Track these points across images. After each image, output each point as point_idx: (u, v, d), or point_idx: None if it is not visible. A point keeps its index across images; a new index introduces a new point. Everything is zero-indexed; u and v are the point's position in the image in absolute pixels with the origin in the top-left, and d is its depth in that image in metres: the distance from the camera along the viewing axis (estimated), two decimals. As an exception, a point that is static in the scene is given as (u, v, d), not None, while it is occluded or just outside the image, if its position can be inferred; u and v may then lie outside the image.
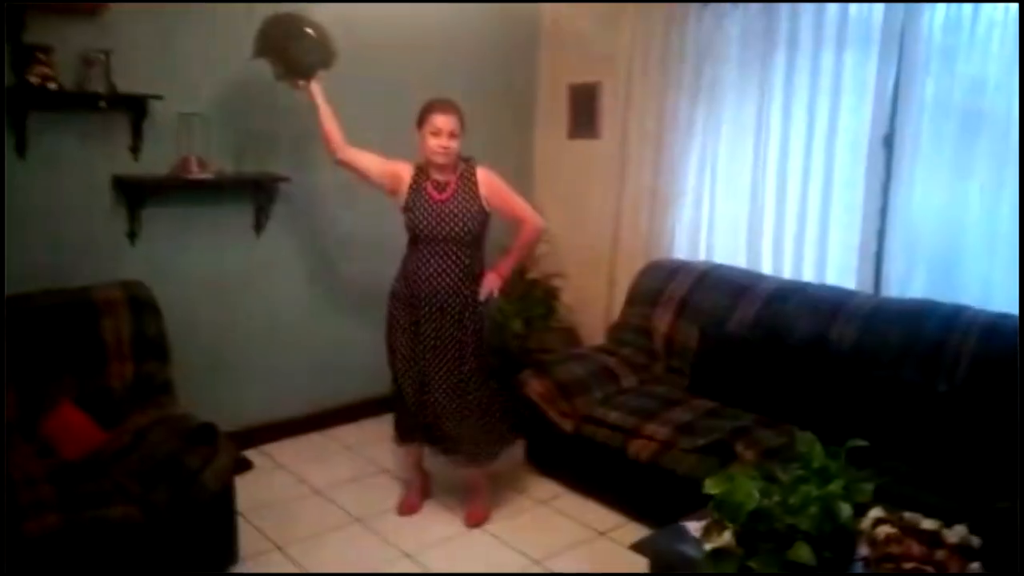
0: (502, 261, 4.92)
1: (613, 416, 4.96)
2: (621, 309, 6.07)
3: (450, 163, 4.67)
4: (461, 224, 4.64)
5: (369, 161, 4.79)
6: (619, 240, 6.49)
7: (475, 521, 4.95)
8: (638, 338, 5.78)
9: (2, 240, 4.46)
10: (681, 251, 6.16)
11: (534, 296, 6.26)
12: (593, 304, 6.68)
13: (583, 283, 6.69)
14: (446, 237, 4.64)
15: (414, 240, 4.74)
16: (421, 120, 4.65)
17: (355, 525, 4.91)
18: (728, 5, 5.70)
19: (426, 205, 4.66)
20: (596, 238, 6.58)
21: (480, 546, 4.73)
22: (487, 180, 4.76)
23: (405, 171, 4.74)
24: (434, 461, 5.12)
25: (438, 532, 4.85)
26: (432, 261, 4.66)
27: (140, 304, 4.72)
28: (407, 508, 5.07)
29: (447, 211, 4.64)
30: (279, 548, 4.63)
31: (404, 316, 4.76)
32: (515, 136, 7.05)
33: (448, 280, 4.68)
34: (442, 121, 4.59)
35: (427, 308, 4.70)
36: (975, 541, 2.99)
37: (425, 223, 4.64)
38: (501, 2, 6.56)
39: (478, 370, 4.82)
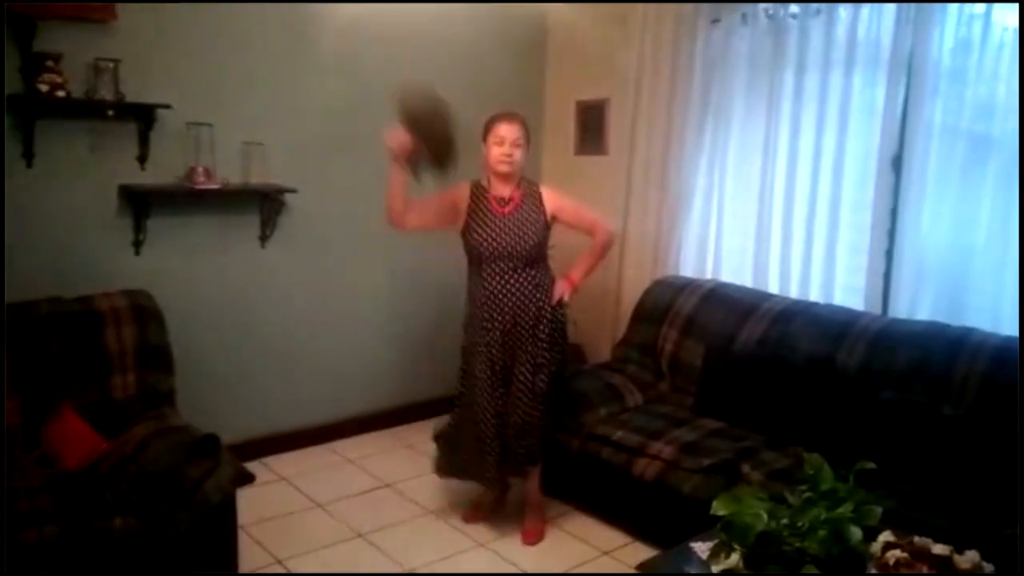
0: (574, 268, 4.93)
1: (618, 434, 4.92)
2: (627, 326, 6.05)
3: (513, 174, 4.69)
4: (525, 239, 4.65)
5: (427, 211, 4.74)
6: (625, 257, 6.47)
7: (536, 538, 4.96)
8: (644, 356, 5.75)
9: (2, 247, 4.44)
10: (688, 269, 6.15)
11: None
12: (599, 321, 6.65)
13: (589, 300, 6.64)
14: (511, 254, 4.63)
15: (477, 261, 4.71)
16: (486, 132, 4.69)
17: (357, 540, 4.88)
18: (737, 22, 5.69)
19: (489, 220, 4.66)
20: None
21: (483, 565, 4.69)
22: (552, 196, 4.81)
23: (461, 193, 4.74)
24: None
25: (441, 549, 4.82)
26: (500, 280, 4.67)
27: (144, 313, 4.69)
28: (469, 517, 5.15)
29: (510, 225, 4.65)
30: (280, 562, 4.61)
31: (480, 340, 4.73)
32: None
33: (520, 296, 4.69)
34: (506, 130, 4.63)
35: (502, 328, 4.69)
36: (988, 568, 2.95)
37: (488, 240, 4.63)
38: (508, 1, 6.54)
39: (551, 378, 4.81)
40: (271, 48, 5.50)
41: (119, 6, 4.79)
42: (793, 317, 5.17)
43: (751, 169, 5.78)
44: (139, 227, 5.10)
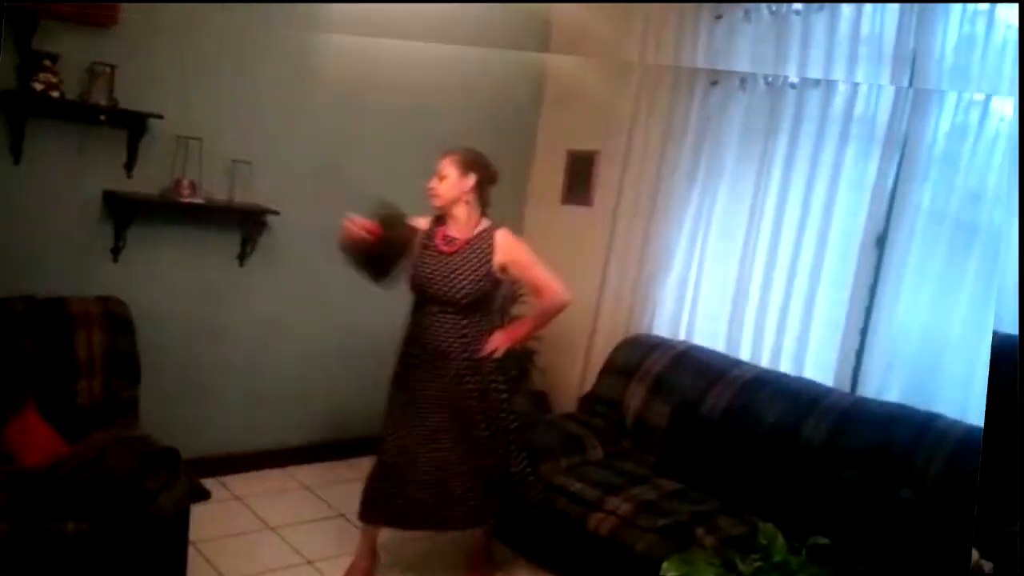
0: (516, 325, 4.86)
1: (576, 486, 4.90)
2: (596, 379, 6.04)
3: (444, 208, 4.49)
4: (457, 285, 4.42)
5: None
6: (601, 310, 6.46)
7: None
8: (610, 410, 5.74)
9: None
10: (662, 327, 6.14)
11: (509, 358, 6.22)
12: (567, 371, 6.63)
13: (560, 349, 6.65)
14: (444, 298, 4.43)
15: (416, 298, 4.55)
16: None
17: (305, 567, 4.84)
18: (736, 86, 5.74)
19: (429, 258, 4.48)
20: (578, 305, 6.48)
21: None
22: (508, 245, 4.54)
23: (422, 224, 4.56)
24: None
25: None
26: (430, 323, 4.47)
27: (116, 321, 4.68)
28: None
29: (448, 268, 4.44)
30: (225, 583, 4.58)
31: (403, 373, 4.59)
32: (508, 196, 7.03)
33: (444, 343, 4.47)
34: (439, 163, 4.46)
35: (428, 371, 4.50)
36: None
37: (422, 279, 4.46)
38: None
39: (498, 442, 4.60)
40: (268, 70, 5.51)
41: (122, 11, 4.81)
42: (762, 386, 5.18)
43: (735, 233, 5.79)
44: (119, 234, 5.09)
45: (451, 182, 4.45)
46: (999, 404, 3.63)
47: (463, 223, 4.52)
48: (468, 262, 4.47)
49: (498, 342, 4.58)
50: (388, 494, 4.54)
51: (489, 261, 4.47)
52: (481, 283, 4.47)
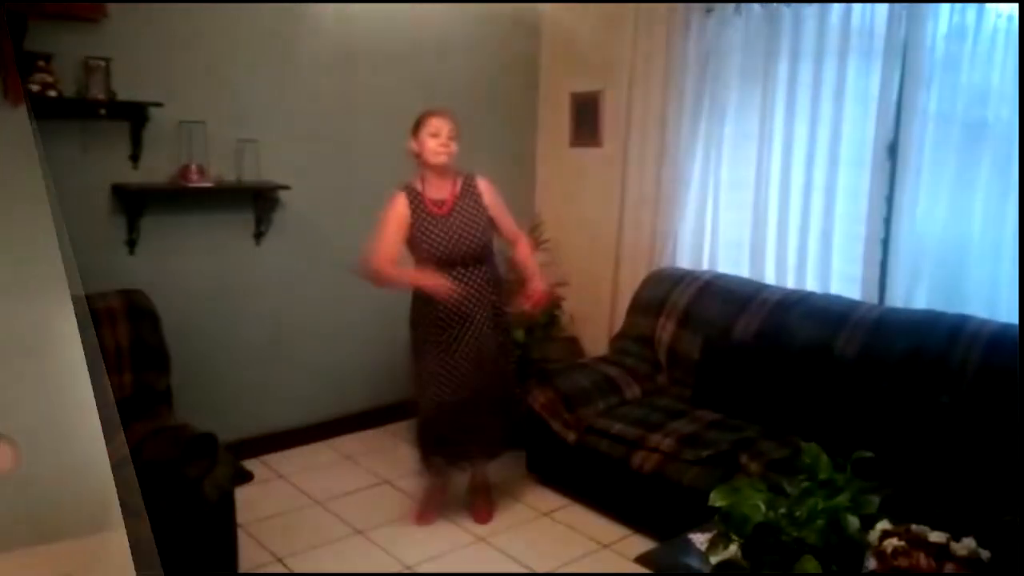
0: (532, 276, 4.98)
1: (616, 427, 4.93)
2: (624, 319, 6.04)
3: (450, 166, 4.67)
4: (468, 238, 4.65)
5: (397, 246, 4.68)
6: (622, 249, 6.46)
7: (487, 518, 5.08)
8: (641, 348, 5.75)
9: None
10: (684, 260, 6.14)
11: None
12: (596, 314, 6.65)
13: (586, 293, 6.65)
14: (456, 256, 4.64)
15: (429, 265, 4.65)
16: (417, 127, 4.65)
17: (356, 537, 4.87)
18: (731, 12, 5.68)
19: (430, 225, 4.63)
20: (599, 248, 6.55)
21: (483, 558, 4.69)
22: (488, 189, 4.82)
23: (401, 205, 4.67)
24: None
25: (439, 545, 4.81)
26: (461, 279, 4.66)
27: (139, 313, 4.68)
28: (425, 518, 5.07)
29: (452, 226, 4.64)
30: (279, 560, 4.60)
31: (436, 336, 4.73)
32: (517, 145, 7.03)
33: (477, 298, 4.71)
34: (440, 123, 4.62)
35: (459, 327, 4.70)
36: (984, 554, 2.95)
37: (435, 246, 4.61)
38: (502, 1, 6.54)
39: (509, 373, 5.00)
40: (263, 44, 5.48)
41: (109, 5, 4.78)
42: (790, 307, 5.16)
43: (746, 159, 5.77)
44: (133, 226, 5.09)
45: (457, 145, 4.65)
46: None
47: (448, 181, 4.72)
48: (467, 216, 4.68)
49: (537, 296, 4.92)
50: (443, 441, 4.88)
51: (484, 207, 4.77)
52: (487, 230, 4.76)
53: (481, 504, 5.11)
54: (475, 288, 4.69)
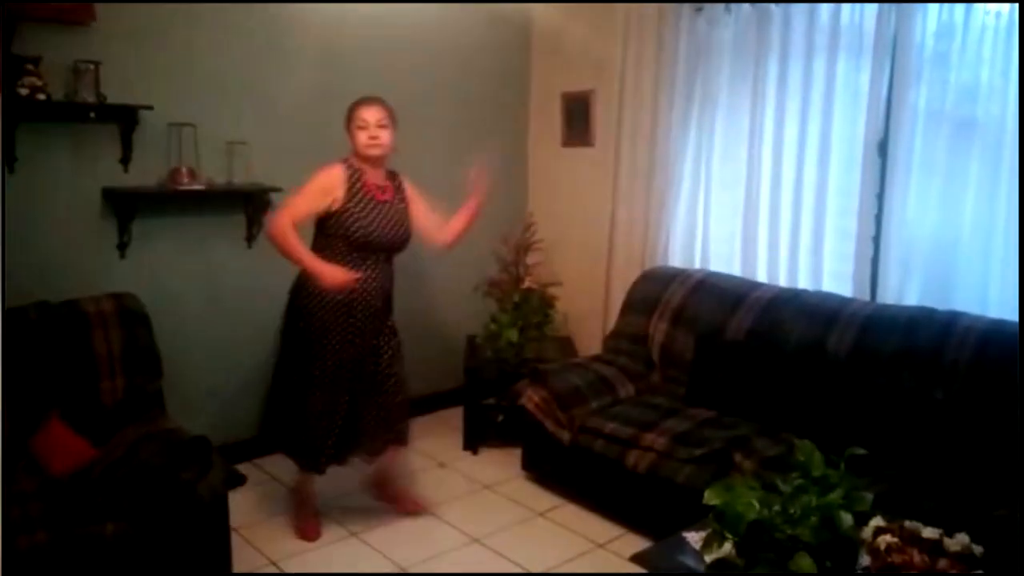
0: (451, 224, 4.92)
1: (610, 427, 4.92)
2: (617, 318, 6.05)
3: (382, 158, 4.66)
4: (402, 230, 4.72)
5: (307, 213, 4.58)
6: (614, 248, 6.47)
7: (417, 508, 5.19)
8: (635, 347, 5.75)
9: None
10: (676, 259, 6.15)
11: (530, 305, 6.22)
12: (589, 313, 6.66)
13: (579, 292, 6.66)
14: (389, 244, 4.68)
15: (351, 248, 4.58)
16: (348, 118, 4.64)
17: (350, 539, 4.87)
18: (721, 11, 5.68)
19: (371, 208, 4.59)
20: (591, 247, 6.56)
21: (477, 559, 4.69)
22: (411, 187, 4.85)
23: (334, 174, 4.57)
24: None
25: (434, 545, 4.82)
26: (372, 270, 4.65)
27: (131, 316, 4.67)
28: (314, 533, 4.93)
29: (391, 215, 4.65)
30: (273, 563, 4.60)
31: (338, 324, 4.64)
32: (508, 145, 7.03)
33: (384, 285, 4.76)
34: (368, 113, 4.57)
35: (363, 318, 4.69)
36: (977, 550, 2.97)
37: (371, 229, 4.56)
38: (491, 1, 6.54)
39: (401, 375, 4.94)
40: (252, 46, 5.47)
41: (98, 8, 4.77)
42: (782, 305, 5.18)
43: (737, 157, 5.78)
44: (124, 229, 5.08)
45: (391, 133, 4.63)
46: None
47: (380, 172, 4.71)
48: (401, 207, 4.73)
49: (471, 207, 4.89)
50: (340, 442, 4.82)
51: (408, 203, 4.80)
52: (410, 227, 4.78)
53: (407, 494, 5.26)
54: (386, 281, 4.73)
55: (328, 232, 4.59)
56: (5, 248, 4.20)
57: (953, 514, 3.38)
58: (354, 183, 4.57)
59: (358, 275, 4.52)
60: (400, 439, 5.01)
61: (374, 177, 4.64)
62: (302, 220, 4.55)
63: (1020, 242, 4.43)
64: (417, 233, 4.83)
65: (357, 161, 4.63)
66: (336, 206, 4.53)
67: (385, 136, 4.57)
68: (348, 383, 4.71)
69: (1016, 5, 4.44)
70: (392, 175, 4.77)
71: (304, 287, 4.66)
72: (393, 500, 5.18)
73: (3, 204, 4.35)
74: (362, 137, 4.55)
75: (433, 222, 4.85)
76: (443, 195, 4.67)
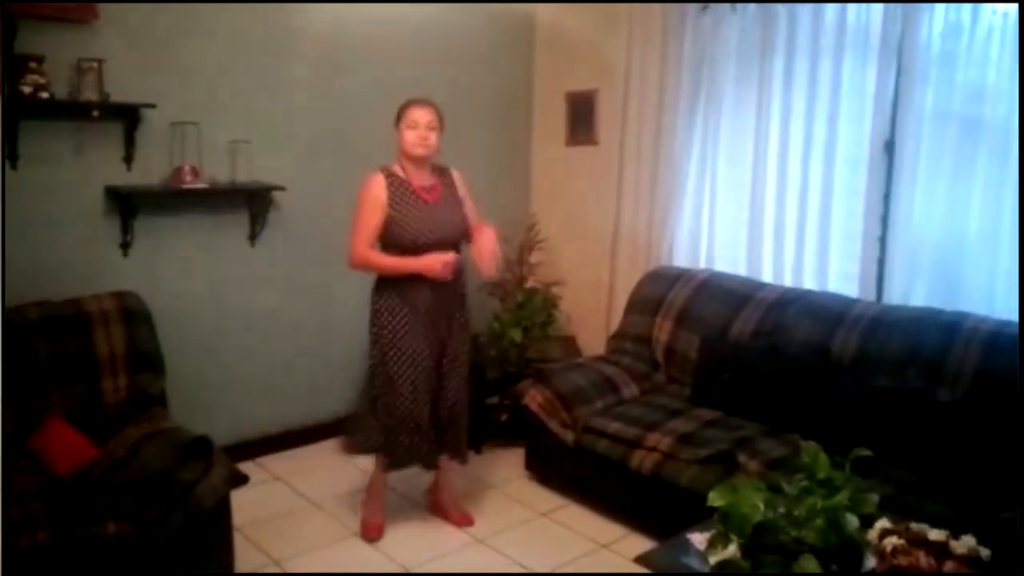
0: (482, 249, 4.64)
1: (614, 427, 4.91)
2: (621, 318, 6.03)
3: (430, 158, 4.64)
4: (456, 225, 4.67)
5: (375, 230, 4.57)
6: (618, 248, 6.45)
7: (466, 522, 5.05)
8: (639, 347, 5.73)
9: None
10: (681, 259, 6.13)
11: (533, 304, 6.22)
12: (593, 313, 6.64)
13: (582, 292, 6.64)
14: (444, 241, 4.60)
15: (409, 252, 4.56)
16: (398, 117, 4.60)
17: (353, 539, 4.86)
18: (726, 9, 5.66)
19: (419, 210, 4.56)
20: (595, 246, 6.54)
21: (481, 559, 4.68)
22: (461, 181, 4.83)
23: (377, 186, 4.56)
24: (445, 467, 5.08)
25: (437, 546, 4.80)
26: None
27: (134, 315, 4.67)
28: (376, 530, 4.92)
29: (441, 213, 4.62)
30: (276, 562, 4.59)
31: (410, 328, 4.63)
32: (513, 144, 7.02)
33: (455, 288, 4.71)
34: (419, 114, 4.55)
35: (434, 316, 4.65)
36: (984, 552, 2.95)
37: (423, 230, 4.53)
38: (496, 1, 6.54)
39: (466, 377, 4.93)
40: (256, 45, 5.47)
41: (101, 6, 4.76)
42: (787, 306, 5.16)
43: (743, 157, 5.76)
44: (126, 228, 5.07)
45: (439, 135, 4.61)
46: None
47: (427, 171, 4.68)
48: (453, 205, 4.69)
49: (485, 242, 4.63)
50: (415, 441, 4.76)
51: (460, 199, 4.77)
52: (465, 220, 4.74)
53: (457, 507, 5.12)
54: (455, 278, 4.67)
55: (383, 240, 4.61)
56: (5, 248, 4.19)
57: (960, 516, 3.37)
58: (396, 188, 4.56)
59: (452, 254, 4.56)
60: (456, 453, 4.97)
61: (419, 179, 4.62)
62: (373, 237, 4.59)
63: (1020, 243, 4.41)
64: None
65: (401, 162, 4.63)
66: (385, 214, 4.56)
67: (433, 138, 4.56)
68: (425, 384, 4.69)
69: (1017, 5, 4.43)
70: (441, 171, 4.75)
71: (377, 289, 4.72)
72: (444, 513, 5.10)
73: (3, 204, 4.33)
74: (411, 136, 4.53)
75: (470, 218, 4.80)
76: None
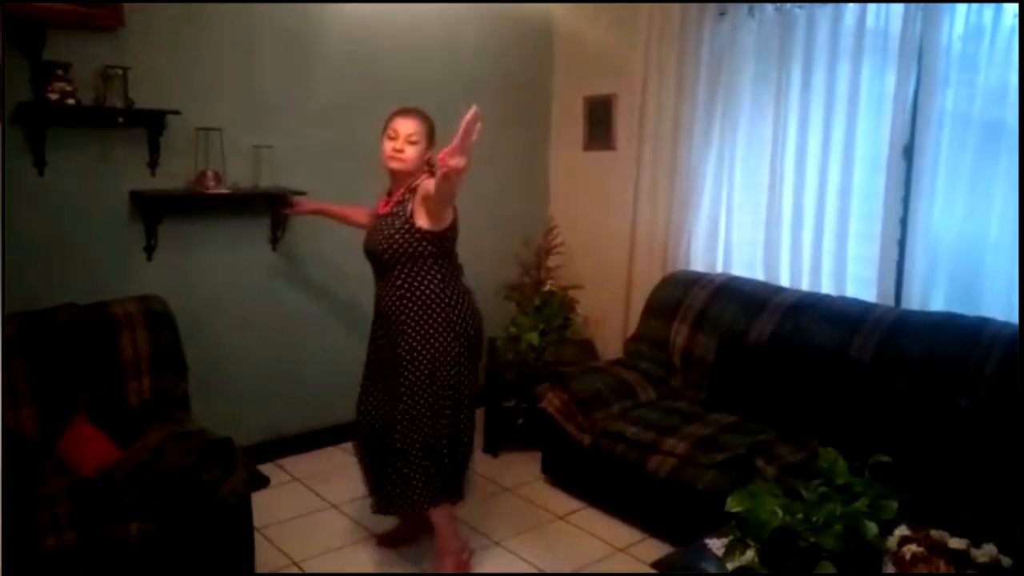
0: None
1: (631, 431, 4.92)
2: (638, 322, 6.04)
3: (404, 172, 4.32)
4: (382, 242, 4.28)
5: (348, 211, 4.81)
6: (635, 252, 6.47)
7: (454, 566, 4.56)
8: (656, 351, 5.75)
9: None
10: (698, 263, 6.13)
11: (551, 308, 6.23)
12: (610, 316, 6.66)
13: (600, 295, 6.66)
14: (373, 258, 4.38)
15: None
16: (384, 126, 4.36)
17: (372, 541, 4.89)
18: (744, 14, 5.68)
19: (372, 220, 4.52)
20: (613, 250, 6.56)
21: (498, 562, 4.71)
22: (424, 189, 4.20)
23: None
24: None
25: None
26: (377, 287, 4.43)
27: (158, 318, 4.71)
28: (386, 540, 4.87)
29: (378, 227, 4.37)
30: (296, 563, 4.63)
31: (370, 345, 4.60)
32: (530, 148, 7.05)
33: (387, 303, 4.35)
34: (400, 124, 4.29)
35: (376, 336, 4.53)
36: (1006, 561, 2.95)
37: (366, 240, 4.44)
38: (515, 1, 6.57)
39: (406, 410, 4.31)
40: (279, 51, 5.52)
41: (126, 13, 4.81)
42: (805, 310, 5.16)
43: (760, 161, 5.76)
44: (151, 232, 5.12)
45: (420, 150, 4.32)
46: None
47: (406, 184, 4.35)
48: (389, 221, 4.32)
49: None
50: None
51: (406, 211, 4.26)
52: (404, 234, 4.24)
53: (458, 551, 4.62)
54: (387, 296, 4.34)
55: None
56: (5, 248, 4.22)
57: (981, 524, 3.37)
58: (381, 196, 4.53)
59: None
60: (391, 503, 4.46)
61: (393, 190, 4.43)
62: (339, 212, 5.02)
63: (1020, 243, 4.42)
64: (433, 202, 4.12)
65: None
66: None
67: (410, 152, 4.26)
68: (364, 401, 4.62)
69: (1016, 5, 4.43)
70: (415, 186, 4.29)
71: None
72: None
73: (3, 202, 4.37)
74: (386, 147, 4.30)
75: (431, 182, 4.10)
76: (462, 197, 4.58)
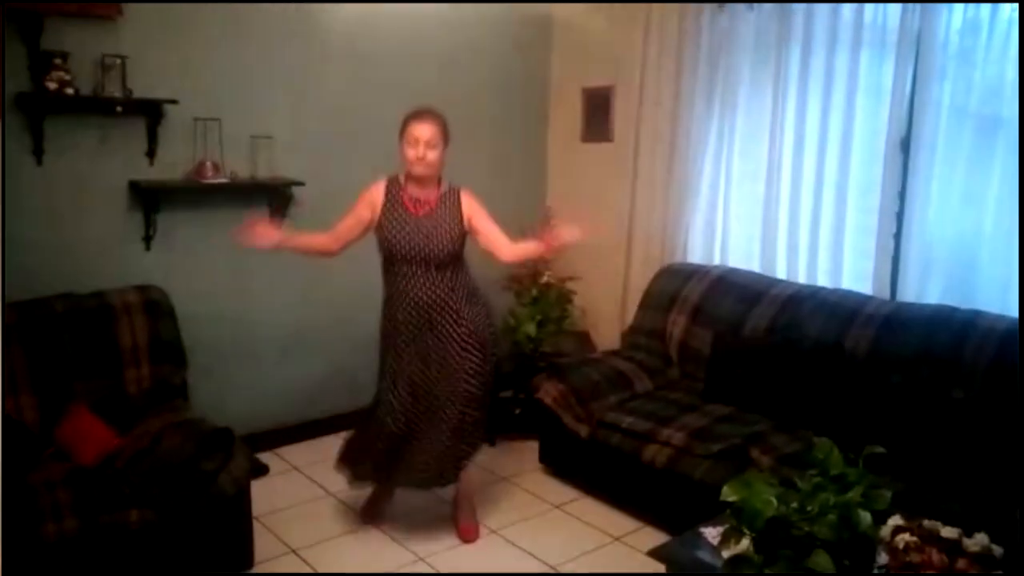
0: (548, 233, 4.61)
1: (628, 421, 4.95)
2: (635, 313, 6.06)
3: (429, 176, 4.53)
4: (438, 243, 4.49)
5: (351, 224, 4.65)
6: (633, 244, 6.48)
7: (477, 535, 4.89)
8: (652, 343, 5.77)
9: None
10: (695, 255, 6.15)
11: (548, 299, 6.24)
12: (607, 308, 6.67)
13: (597, 287, 6.66)
14: (422, 256, 4.49)
15: (390, 261, 4.58)
16: (401, 131, 4.52)
17: (370, 529, 4.91)
18: (743, 7, 5.69)
19: (403, 220, 4.52)
20: (610, 242, 6.56)
21: (494, 551, 4.73)
22: (470, 201, 4.62)
23: (377, 190, 4.59)
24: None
25: (453, 537, 4.85)
26: (412, 282, 4.53)
27: (156, 308, 4.74)
28: (367, 515, 5.02)
29: (424, 228, 4.49)
30: (294, 551, 4.65)
31: (392, 340, 4.67)
32: (528, 140, 7.05)
33: (433, 298, 4.54)
34: (419, 130, 4.44)
35: (415, 329, 4.58)
36: (997, 550, 2.97)
37: (401, 240, 4.49)
38: (512, 1, 6.58)
39: (471, 394, 4.64)
40: (277, 41, 5.52)
41: (124, 3, 4.82)
42: (801, 302, 5.19)
43: (758, 154, 5.78)
44: (149, 222, 5.13)
45: (440, 152, 4.52)
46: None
47: (430, 187, 4.58)
48: (445, 222, 4.55)
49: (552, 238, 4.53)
50: (366, 456, 4.80)
51: (460, 218, 4.60)
52: (458, 239, 4.58)
53: (466, 519, 4.93)
54: (422, 292, 4.53)
55: (379, 246, 4.63)
56: (5, 247, 4.24)
57: (973, 514, 3.38)
58: (392, 196, 4.57)
59: (269, 238, 4.59)
60: (442, 475, 4.77)
61: (416, 191, 4.55)
62: (345, 227, 4.66)
63: (1020, 242, 4.44)
64: (481, 245, 4.67)
65: (405, 175, 4.59)
66: (376, 218, 4.58)
67: (432, 155, 4.45)
68: (399, 400, 4.65)
69: (1016, 5, 4.44)
70: (446, 188, 4.61)
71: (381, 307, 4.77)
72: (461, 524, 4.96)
73: (2, 192, 4.38)
74: (410, 155, 4.46)
75: (496, 236, 4.63)
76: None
